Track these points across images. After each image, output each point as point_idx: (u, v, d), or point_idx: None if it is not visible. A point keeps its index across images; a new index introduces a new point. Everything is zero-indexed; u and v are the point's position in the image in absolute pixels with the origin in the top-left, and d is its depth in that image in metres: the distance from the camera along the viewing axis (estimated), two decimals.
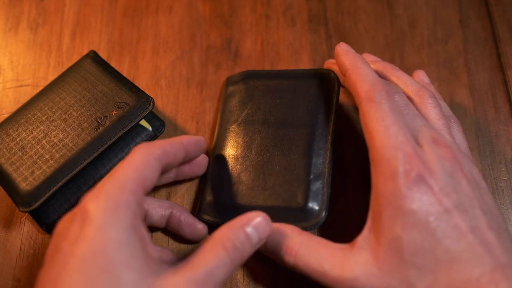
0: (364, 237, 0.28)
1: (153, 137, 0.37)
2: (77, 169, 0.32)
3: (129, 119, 0.34)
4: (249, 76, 0.38)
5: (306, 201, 0.31)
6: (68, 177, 0.32)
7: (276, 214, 0.31)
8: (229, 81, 0.39)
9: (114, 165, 0.35)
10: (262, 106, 0.36)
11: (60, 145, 0.33)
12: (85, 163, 0.33)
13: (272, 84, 0.36)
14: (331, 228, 0.34)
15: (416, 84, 0.33)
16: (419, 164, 0.26)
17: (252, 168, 0.34)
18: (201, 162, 0.35)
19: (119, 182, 0.26)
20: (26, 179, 0.32)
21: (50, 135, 0.34)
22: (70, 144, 0.33)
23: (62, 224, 0.26)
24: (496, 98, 0.38)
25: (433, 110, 0.31)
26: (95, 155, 0.33)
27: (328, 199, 0.31)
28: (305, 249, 0.28)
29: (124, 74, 0.40)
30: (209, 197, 0.34)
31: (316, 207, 0.31)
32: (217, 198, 0.34)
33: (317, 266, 0.28)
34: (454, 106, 0.38)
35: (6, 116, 0.38)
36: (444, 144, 0.28)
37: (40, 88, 0.38)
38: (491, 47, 0.40)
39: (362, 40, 0.41)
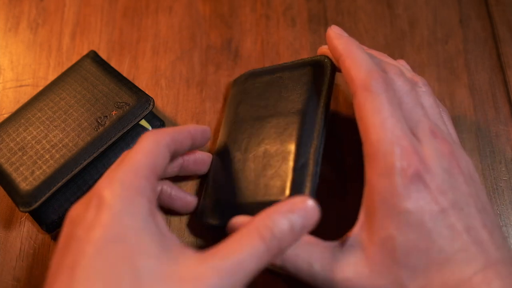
0: (355, 234, 0.27)
1: None
2: (77, 169, 0.32)
3: (129, 119, 0.34)
4: (250, 76, 0.37)
5: (289, 192, 0.29)
6: (68, 177, 0.32)
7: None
8: (233, 84, 0.39)
9: None
10: (257, 102, 0.35)
11: (60, 145, 0.33)
12: (85, 163, 0.33)
13: (268, 80, 0.36)
14: (331, 231, 0.34)
15: (409, 72, 0.32)
16: (416, 160, 0.26)
17: (245, 166, 0.33)
18: (206, 160, 0.35)
19: (132, 168, 0.25)
20: (26, 179, 0.32)
21: (50, 135, 0.34)
22: (70, 144, 0.33)
23: (75, 212, 0.25)
24: (496, 98, 0.38)
25: (427, 99, 0.30)
26: (95, 155, 0.33)
27: (314, 189, 0.29)
28: (293, 249, 0.27)
29: (124, 74, 0.40)
30: (208, 200, 0.34)
31: None
32: (217, 200, 0.34)
33: (307, 267, 0.27)
34: (454, 106, 0.38)
35: (6, 116, 0.38)
36: (442, 137, 0.27)
37: (40, 88, 0.38)
38: (491, 47, 0.40)
39: (362, 40, 0.41)
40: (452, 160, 0.27)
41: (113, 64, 0.41)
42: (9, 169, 0.33)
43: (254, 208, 0.28)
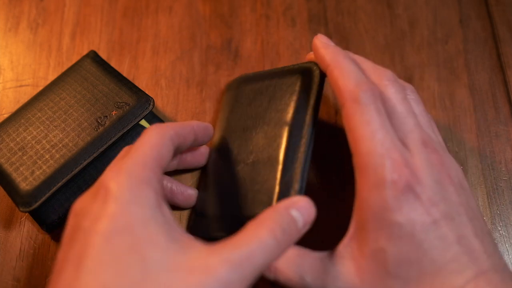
0: (345, 245, 0.27)
1: None
2: (77, 169, 0.32)
3: (129, 119, 0.34)
4: (241, 82, 0.37)
5: (276, 201, 0.29)
6: (68, 177, 0.32)
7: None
8: (227, 88, 0.39)
9: None
10: (246, 112, 0.35)
11: (60, 145, 0.33)
12: (85, 163, 0.33)
13: (258, 88, 0.35)
14: (331, 236, 0.33)
15: (398, 79, 0.31)
16: (407, 172, 0.25)
17: (233, 178, 0.32)
18: (204, 152, 0.35)
19: (139, 160, 0.25)
20: (26, 179, 0.32)
21: (50, 135, 0.34)
22: (70, 144, 0.33)
23: (80, 204, 0.25)
24: (496, 98, 0.38)
25: (417, 107, 0.30)
26: (95, 155, 0.33)
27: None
28: (284, 262, 0.27)
29: (124, 74, 0.40)
30: (200, 213, 0.34)
31: None
32: (205, 213, 0.33)
33: (298, 279, 0.27)
34: (454, 106, 0.38)
35: (6, 116, 0.38)
36: (433, 147, 0.27)
37: (40, 88, 0.38)
38: (491, 47, 0.40)
39: (362, 40, 0.41)
40: (442, 170, 0.27)
41: (113, 64, 0.41)
42: (9, 169, 0.33)
43: (242, 221, 0.27)
